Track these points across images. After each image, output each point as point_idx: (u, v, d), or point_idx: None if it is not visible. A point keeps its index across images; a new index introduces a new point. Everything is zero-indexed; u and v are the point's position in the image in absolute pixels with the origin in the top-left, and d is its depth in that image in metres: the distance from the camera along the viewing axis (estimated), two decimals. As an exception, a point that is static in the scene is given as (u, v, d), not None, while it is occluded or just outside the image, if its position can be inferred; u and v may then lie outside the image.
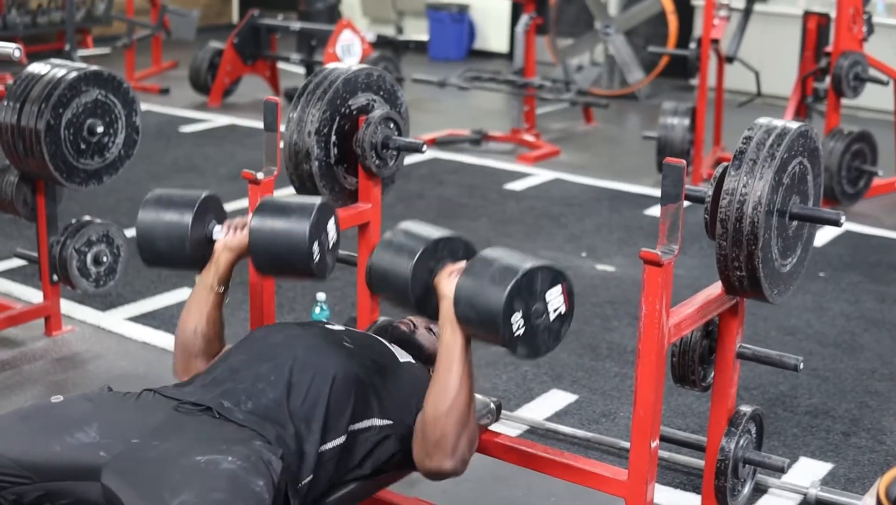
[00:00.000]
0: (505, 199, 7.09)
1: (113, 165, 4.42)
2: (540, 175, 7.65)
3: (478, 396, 3.19)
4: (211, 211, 3.15)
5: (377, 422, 2.78)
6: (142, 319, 4.97)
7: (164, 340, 4.73)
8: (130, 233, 5.44)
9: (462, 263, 2.76)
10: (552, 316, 2.66)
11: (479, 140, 8.48)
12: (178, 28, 10.12)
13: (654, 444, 2.76)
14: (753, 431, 3.14)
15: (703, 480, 3.12)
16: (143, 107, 4.54)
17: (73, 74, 4.23)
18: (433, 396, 2.69)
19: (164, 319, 4.94)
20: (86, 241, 4.49)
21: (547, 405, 4.21)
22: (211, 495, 2.35)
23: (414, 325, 3.20)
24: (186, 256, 3.07)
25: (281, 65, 10.06)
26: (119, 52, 10.06)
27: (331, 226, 3.04)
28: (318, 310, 4.56)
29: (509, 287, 2.56)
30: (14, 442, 2.54)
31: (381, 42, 9.95)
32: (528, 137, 8.46)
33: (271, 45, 9.74)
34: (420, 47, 11.75)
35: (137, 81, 9.95)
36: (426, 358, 3.07)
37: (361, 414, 2.76)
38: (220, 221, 3.15)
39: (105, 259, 4.56)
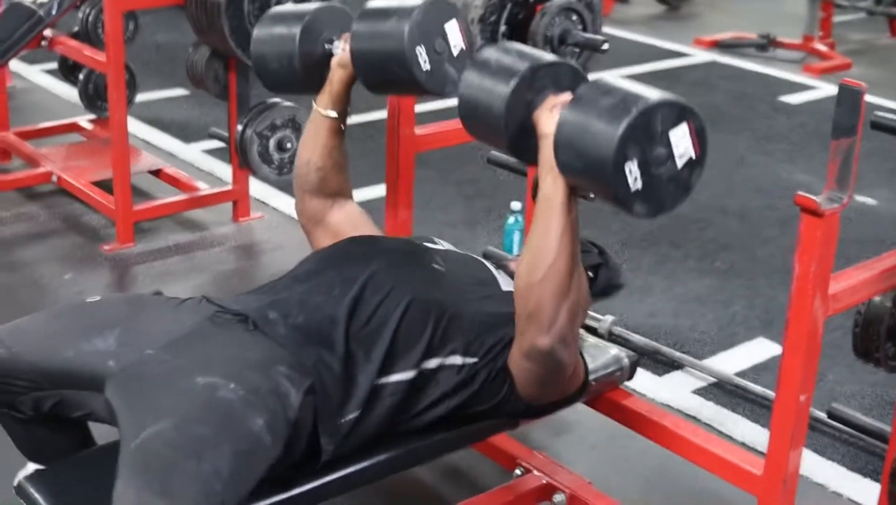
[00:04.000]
0: (776, 112, 6.42)
1: (305, 44, 4.08)
2: (822, 89, 6.88)
3: (611, 347, 2.72)
4: (332, 25, 2.66)
5: (458, 360, 2.30)
6: (339, 210, 4.65)
7: (354, 236, 4.41)
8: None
9: (567, 96, 2.19)
10: (679, 163, 2.06)
11: (765, 45, 7.77)
12: None
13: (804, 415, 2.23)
14: (952, 426, 2.54)
15: (882, 476, 2.55)
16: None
17: (263, -61, 3.91)
18: (527, 261, 2.18)
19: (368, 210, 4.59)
20: (269, 126, 4.18)
21: (747, 356, 3.67)
22: (192, 428, 1.95)
23: None
24: (298, 76, 2.64)
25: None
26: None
27: (451, 29, 2.50)
28: (511, 220, 4.14)
29: (622, 128, 1.98)
30: (32, 344, 2.24)
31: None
32: (820, 47, 7.65)
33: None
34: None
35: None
36: None
37: (439, 349, 2.29)
38: None
39: (290, 145, 4.24)
